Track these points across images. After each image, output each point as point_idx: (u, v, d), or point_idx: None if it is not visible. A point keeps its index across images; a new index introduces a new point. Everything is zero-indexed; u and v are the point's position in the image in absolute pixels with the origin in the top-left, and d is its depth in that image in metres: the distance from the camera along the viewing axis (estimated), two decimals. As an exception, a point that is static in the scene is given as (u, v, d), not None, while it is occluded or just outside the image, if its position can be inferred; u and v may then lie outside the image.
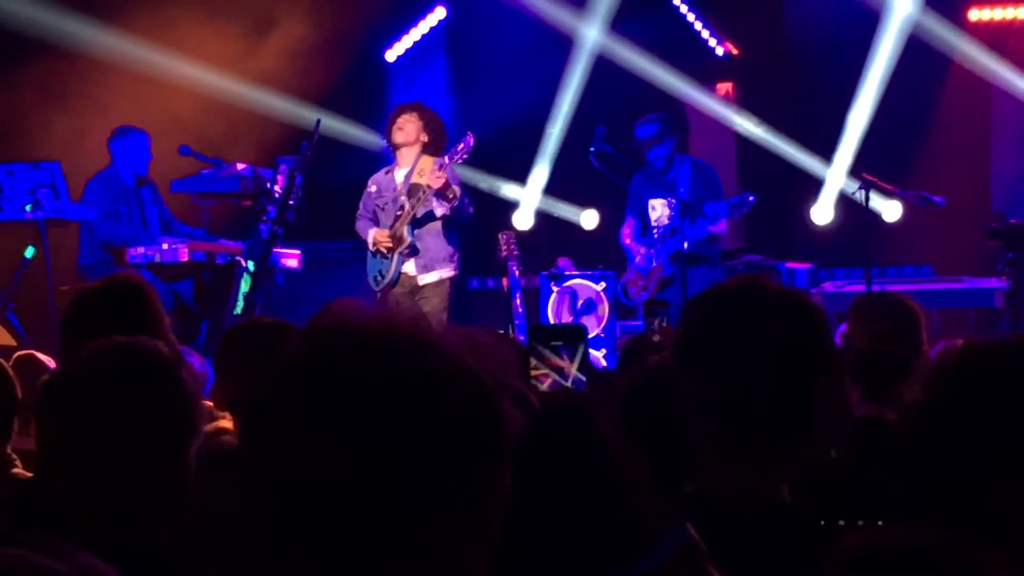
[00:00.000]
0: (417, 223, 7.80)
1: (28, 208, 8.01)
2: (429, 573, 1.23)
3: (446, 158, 7.74)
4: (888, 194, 9.02)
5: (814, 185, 10.57)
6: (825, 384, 2.05)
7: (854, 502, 1.99)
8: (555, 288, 9.07)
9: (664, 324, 6.65)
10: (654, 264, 8.32)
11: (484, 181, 10.58)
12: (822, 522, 1.91)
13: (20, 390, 3.33)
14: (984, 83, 10.56)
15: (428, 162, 7.79)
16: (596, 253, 9.73)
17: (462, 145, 7.75)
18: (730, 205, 8.06)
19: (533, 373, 2.64)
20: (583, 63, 10.80)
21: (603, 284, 8.97)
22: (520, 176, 10.94)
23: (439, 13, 11.39)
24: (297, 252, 8.59)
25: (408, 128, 7.87)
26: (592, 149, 8.24)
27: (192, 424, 2.31)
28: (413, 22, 11.38)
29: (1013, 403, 1.66)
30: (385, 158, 8.25)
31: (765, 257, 9.56)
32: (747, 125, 10.57)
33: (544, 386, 2.61)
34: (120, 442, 2.21)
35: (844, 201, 10.20)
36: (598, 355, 8.49)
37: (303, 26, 9.73)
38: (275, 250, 8.00)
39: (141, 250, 8.06)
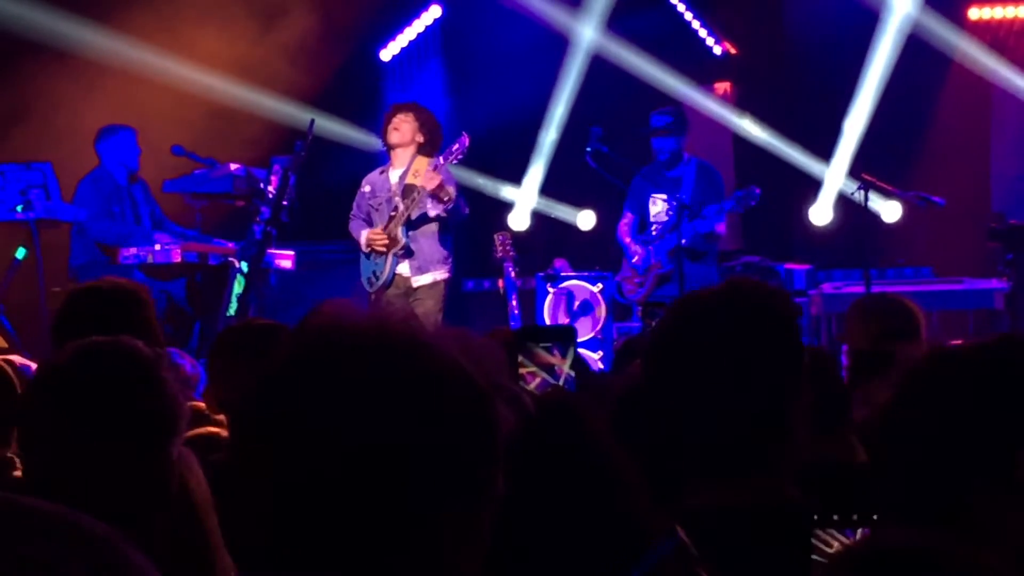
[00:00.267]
0: (411, 224, 7.76)
1: (19, 209, 8.01)
2: (423, 574, 1.23)
3: (440, 159, 7.70)
4: (887, 194, 9.01)
5: (813, 185, 10.54)
6: (794, 382, 2.08)
7: (864, 503, 1.96)
8: (551, 289, 9.04)
9: (662, 325, 6.60)
10: (652, 261, 8.29)
11: (481, 181, 10.53)
12: (815, 516, 1.92)
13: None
14: (984, 82, 10.55)
15: (423, 163, 7.75)
16: (593, 254, 9.70)
17: (457, 146, 7.72)
18: (737, 198, 8.03)
19: (521, 371, 2.57)
20: (579, 62, 10.78)
21: (600, 285, 8.94)
22: (516, 176, 10.91)
23: (434, 12, 11.36)
24: (291, 253, 8.57)
25: (404, 128, 7.83)
26: (588, 149, 8.25)
27: (174, 423, 2.31)
28: (408, 21, 11.35)
29: (977, 403, 1.71)
30: (380, 158, 8.20)
31: (763, 258, 9.53)
32: (748, 127, 10.52)
33: (531, 386, 2.55)
34: (100, 441, 2.21)
35: (843, 202, 10.17)
36: (595, 357, 8.45)
37: (297, 25, 9.72)
38: (269, 251, 7.96)
39: (133, 251, 8.05)
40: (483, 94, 10.50)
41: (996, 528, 1.64)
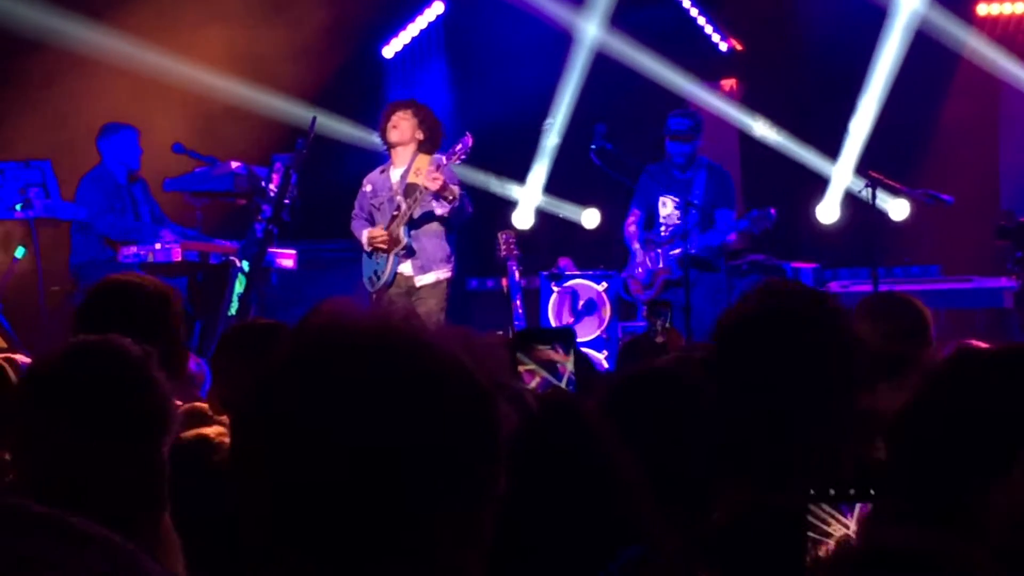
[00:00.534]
0: (414, 224, 7.72)
1: (18, 207, 8.00)
2: (424, 573, 1.23)
3: (443, 159, 7.64)
4: (895, 192, 8.99)
5: (820, 183, 10.52)
6: (843, 385, 2.13)
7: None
8: (556, 288, 9.02)
9: (668, 325, 6.54)
10: (660, 265, 8.24)
11: (488, 180, 10.49)
12: (812, 490, 1.93)
13: None
14: (993, 79, 10.52)
15: (424, 161, 7.70)
16: (597, 253, 9.69)
17: (460, 146, 7.67)
18: (752, 218, 7.99)
19: (520, 369, 2.53)
20: (583, 59, 10.75)
21: (604, 284, 8.92)
22: (520, 174, 10.88)
23: (437, 8, 11.37)
24: (292, 252, 8.56)
25: (403, 126, 7.78)
26: (593, 147, 8.22)
27: (164, 422, 2.30)
28: (410, 17, 11.38)
29: (1000, 405, 1.74)
30: (381, 156, 8.16)
31: (770, 256, 9.48)
32: (762, 130, 10.46)
33: (531, 385, 2.51)
34: (89, 441, 2.21)
35: (850, 200, 10.12)
36: (600, 357, 8.41)
37: (299, 22, 9.70)
38: (270, 250, 7.94)
39: (134, 249, 8.04)
40: (486, 91, 10.50)
41: (994, 524, 1.67)
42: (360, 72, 10.91)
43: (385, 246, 7.71)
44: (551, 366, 2.53)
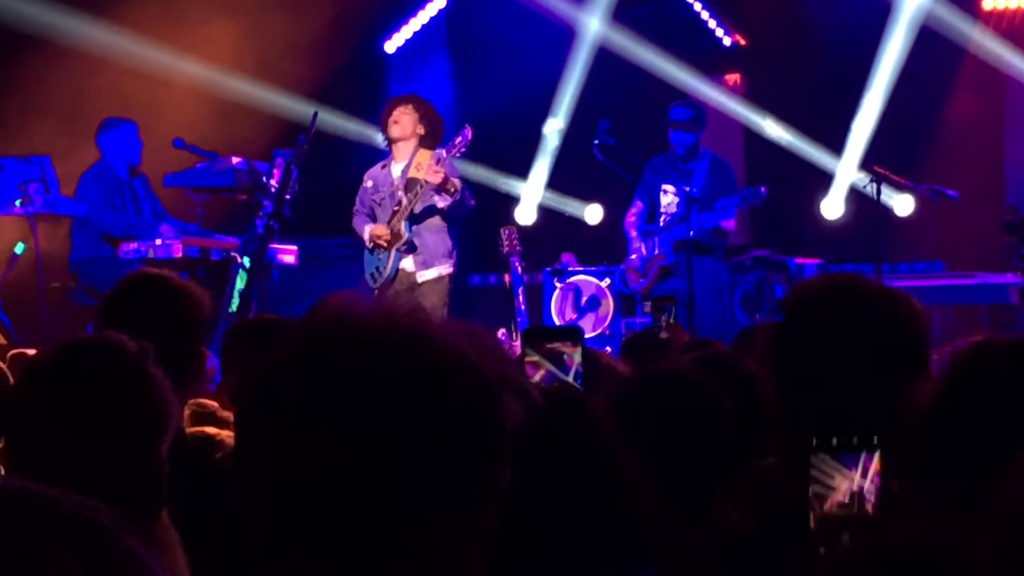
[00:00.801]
0: (415, 219, 7.70)
1: (18, 203, 7.98)
2: (427, 570, 1.23)
3: (443, 152, 7.62)
4: (900, 187, 8.96)
5: (824, 178, 10.50)
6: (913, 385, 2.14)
7: None
8: (558, 284, 9.03)
9: (672, 321, 6.49)
10: (656, 252, 8.23)
11: (489, 175, 10.47)
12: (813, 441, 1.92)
13: None
14: (998, 73, 10.49)
15: (425, 156, 7.68)
16: (600, 248, 9.67)
17: (460, 139, 7.66)
18: (742, 195, 7.98)
19: (525, 360, 2.52)
20: (586, 54, 10.74)
21: (607, 280, 8.91)
22: (522, 170, 10.85)
23: (439, 3, 11.37)
24: (294, 248, 8.53)
25: (404, 121, 7.77)
26: (596, 142, 8.21)
27: (162, 420, 2.28)
28: (412, 12, 11.36)
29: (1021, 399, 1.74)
30: (382, 152, 8.14)
31: (773, 252, 9.47)
32: (769, 128, 10.44)
33: (536, 378, 2.49)
34: (86, 440, 2.19)
35: (855, 195, 10.13)
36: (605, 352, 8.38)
37: (300, 17, 9.68)
38: (271, 246, 7.92)
39: (134, 245, 8.01)
40: (488, 86, 10.49)
41: (998, 522, 1.62)
42: (362, 67, 10.90)
43: (386, 243, 7.70)
44: (558, 358, 2.50)
